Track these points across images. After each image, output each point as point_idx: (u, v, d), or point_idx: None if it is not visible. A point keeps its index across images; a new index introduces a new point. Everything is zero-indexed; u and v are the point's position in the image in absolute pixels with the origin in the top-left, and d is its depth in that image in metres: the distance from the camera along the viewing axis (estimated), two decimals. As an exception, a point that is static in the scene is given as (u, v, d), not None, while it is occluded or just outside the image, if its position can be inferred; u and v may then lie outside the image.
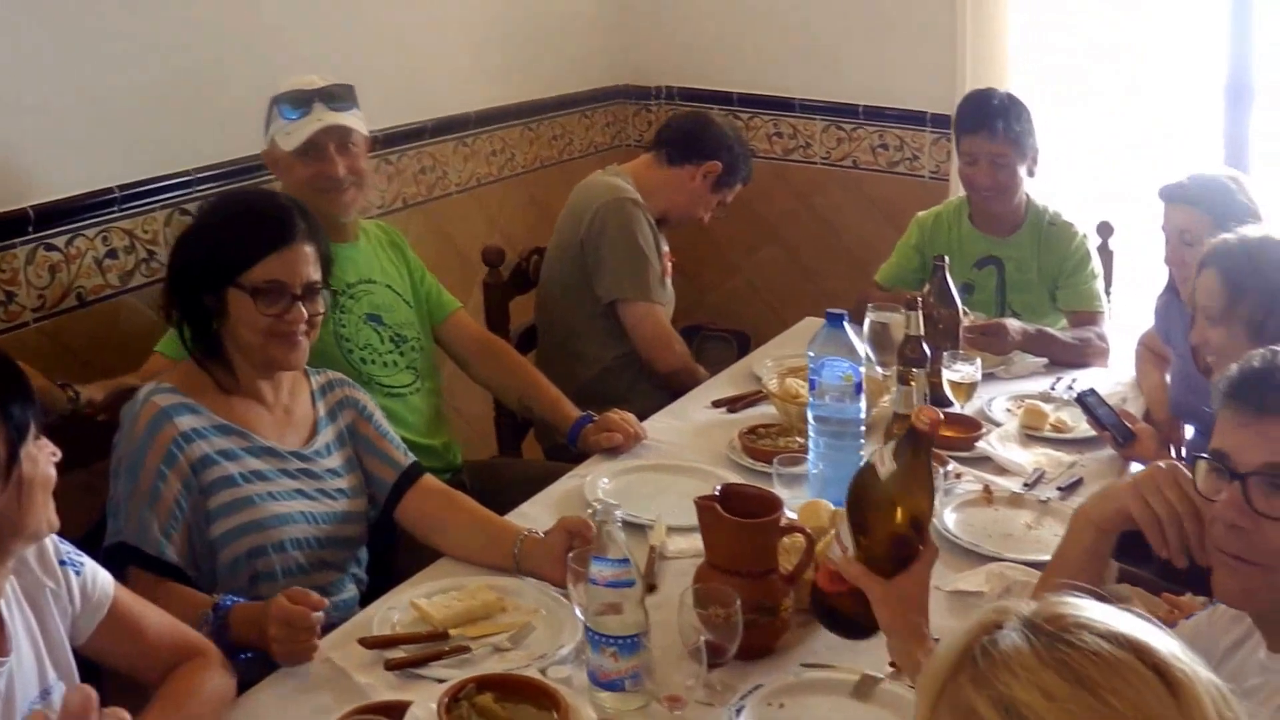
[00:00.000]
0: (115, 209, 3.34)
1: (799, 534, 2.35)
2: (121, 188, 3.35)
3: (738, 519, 2.28)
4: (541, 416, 3.50)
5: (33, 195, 3.15)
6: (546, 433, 3.80)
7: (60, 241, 3.22)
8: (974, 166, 3.93)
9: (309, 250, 2.64)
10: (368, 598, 2.67)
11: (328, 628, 2.45)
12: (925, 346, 3.13)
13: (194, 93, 3.54)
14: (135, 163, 3.39)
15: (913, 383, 2.92)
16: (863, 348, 2.83)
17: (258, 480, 2.58)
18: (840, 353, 2.77)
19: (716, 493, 2.36)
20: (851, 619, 2.16)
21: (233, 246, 2.62)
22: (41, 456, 1.96)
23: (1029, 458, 3.15)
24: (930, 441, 2.05)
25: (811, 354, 2.81)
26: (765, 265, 5.45)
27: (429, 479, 2.82)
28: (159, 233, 3.46)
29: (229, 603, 2.38)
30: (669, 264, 4.02)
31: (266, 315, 2.59)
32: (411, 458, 2.83)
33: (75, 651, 2.15)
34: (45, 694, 2.08)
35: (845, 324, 2.79)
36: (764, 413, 3.39)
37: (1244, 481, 1.75)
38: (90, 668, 2.20)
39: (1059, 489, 3.00)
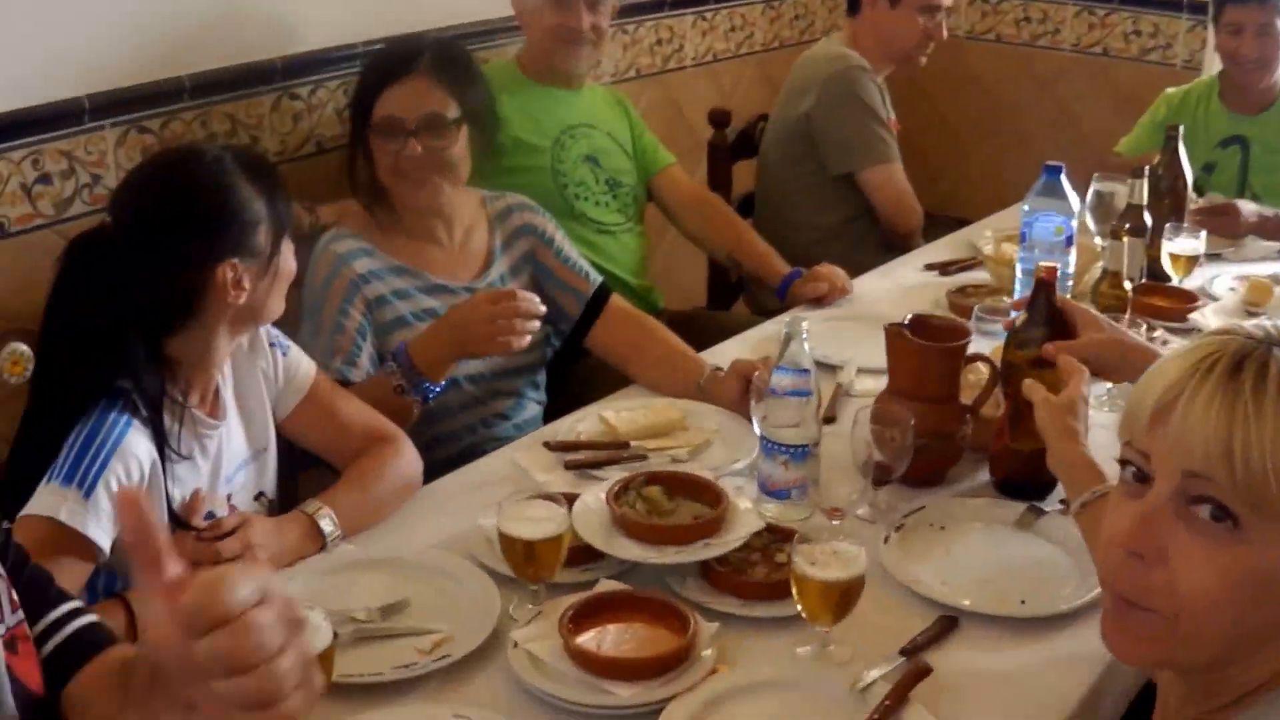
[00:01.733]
0: (356, 64, 3.45)
1: (983, 365, 2.34)
2: (365, 43, 3.43)
3: (924, 342, 2.29)
4: (751, 270, 3.53)
5: (282, 48, 3.27)
6: (757, 298, 3.84)
7: (304, 92, 3.35)
8: (1238, 37, 3.78)
9: (431, 83, 2.62)
10: (551, 416, 2.75)
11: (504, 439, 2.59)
12: (1147, 216, 3.06)
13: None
14: (379, 22, 3.47)
15: (1124, 239, 2.85)
16: (1076, 202, 2.79)
17: (430, 319, 2.63)
18: (1054, 206, 2.75)
19: (906, 321, 2.37)
20: (1024, 480, 2.27)
21: (362, 87, 2.70)
22: (290, 252, 2.17)
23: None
24: (1050, 288, 2.20)
25: (1026, 207, 2.79)
26: (997, 153, 5.30)
27: (617, 301, 2.86)
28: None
29: (402, 346, 2.51)
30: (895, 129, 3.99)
31: (386, 153, 2.63)
32: (597, 279, 2.85)
33: (276, 430, 2.31)
34: (245, 463, 2.24)
35: (1061, 177, 2.76)
36: (975, 276, 3.36)
37: None
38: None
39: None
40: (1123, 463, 1.30)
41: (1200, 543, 1.21)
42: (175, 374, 2.08)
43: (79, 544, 1.90)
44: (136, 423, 1.99)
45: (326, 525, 2.11)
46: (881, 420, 2.17)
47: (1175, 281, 3.23)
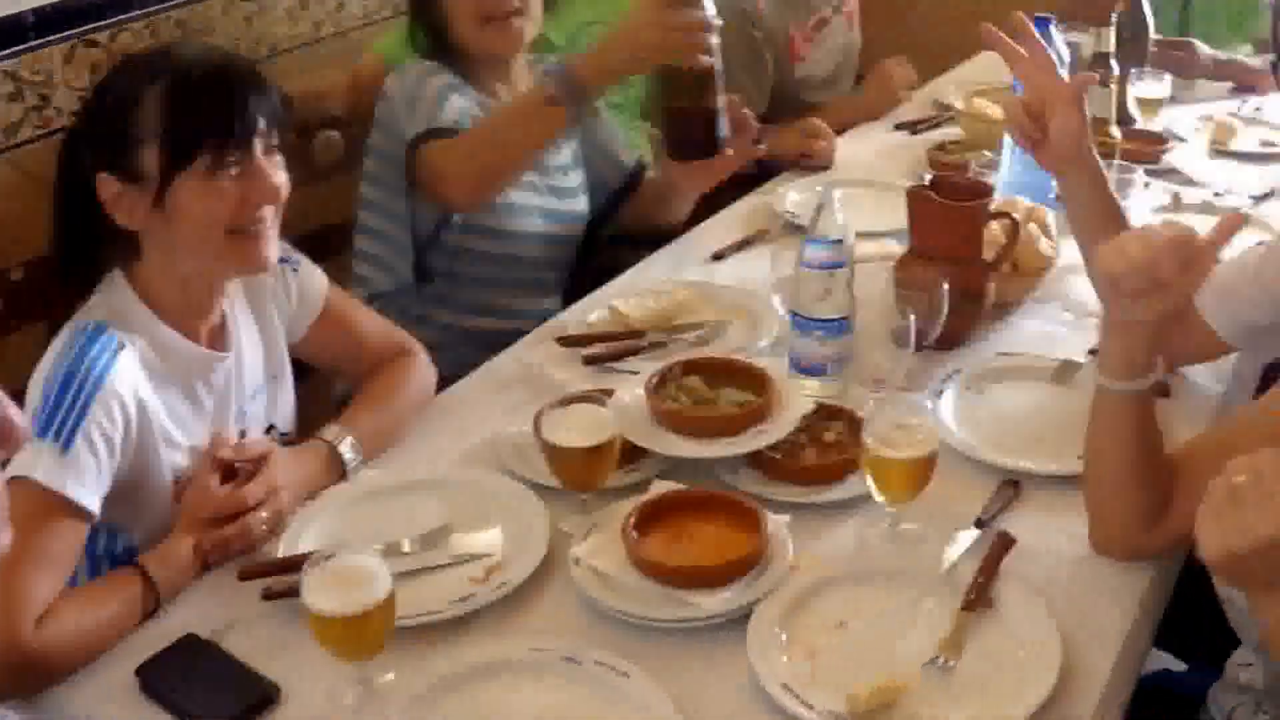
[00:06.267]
0: None
1: (1005, 220, 2.10)
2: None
3: (950, 202, 2.05)
4: None
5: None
6: None
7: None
8: None
9: None
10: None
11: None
12: (1114, 63, 2.82)
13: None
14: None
15: (1112, 85, 2.63)
16: (1066, 53, 2.56)
17: None
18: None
19: (926, 181, 2.14)
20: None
21: None
22: (202, 197, 1.70)
23: (1218, 170, 2.85)
24: None
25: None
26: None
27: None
28: None
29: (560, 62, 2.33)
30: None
31: None
32: (635, 157, 2.64)
33: (290, 350, 2.01)
34: (258, 392, 1.93)
35: (1051, 28, 2.53)
36: (948, 133, 3.10)
37: None
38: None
39: (1251, 197, 2.69)
40: None
41: None
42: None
43: (65, 506, 1.56)
44: (125, 351, 1.65)
45: (348, 453, 1.84)
46: (912, 284, 1.96)
47: (1140, 124, 3.01)
